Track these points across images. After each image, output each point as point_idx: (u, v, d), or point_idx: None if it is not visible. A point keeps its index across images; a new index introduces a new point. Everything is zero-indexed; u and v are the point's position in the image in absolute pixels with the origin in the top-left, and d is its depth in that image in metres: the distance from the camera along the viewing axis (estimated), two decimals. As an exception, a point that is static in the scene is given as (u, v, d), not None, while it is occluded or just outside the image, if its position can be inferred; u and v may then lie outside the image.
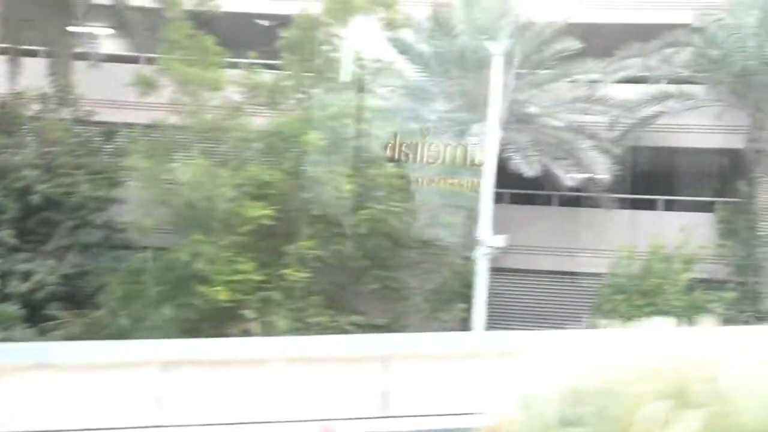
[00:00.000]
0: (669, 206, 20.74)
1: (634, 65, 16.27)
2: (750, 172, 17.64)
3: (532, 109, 15.63)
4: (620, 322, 13.71)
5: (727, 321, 17.06)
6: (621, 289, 15.61)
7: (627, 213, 20.12)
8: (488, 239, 12.67)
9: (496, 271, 20.04)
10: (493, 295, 19.83)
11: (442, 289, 14.52)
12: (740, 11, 16.44)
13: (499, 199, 21.30)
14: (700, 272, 18.10)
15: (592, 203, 19.55)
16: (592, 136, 17.63)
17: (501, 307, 19.77)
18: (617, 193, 20.62)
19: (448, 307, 13.93)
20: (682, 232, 18.53)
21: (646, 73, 17.46)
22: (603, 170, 17.10)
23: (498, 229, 20.50)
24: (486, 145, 13.26)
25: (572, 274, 18.86)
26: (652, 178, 22.59)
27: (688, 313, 15.79)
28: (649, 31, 17.99)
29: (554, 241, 19.54)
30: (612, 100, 18.44)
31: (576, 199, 19.46)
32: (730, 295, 16.10)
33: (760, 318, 16.91)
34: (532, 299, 19.40)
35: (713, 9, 17.46)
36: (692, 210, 19.81)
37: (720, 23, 17.08)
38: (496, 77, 13.62)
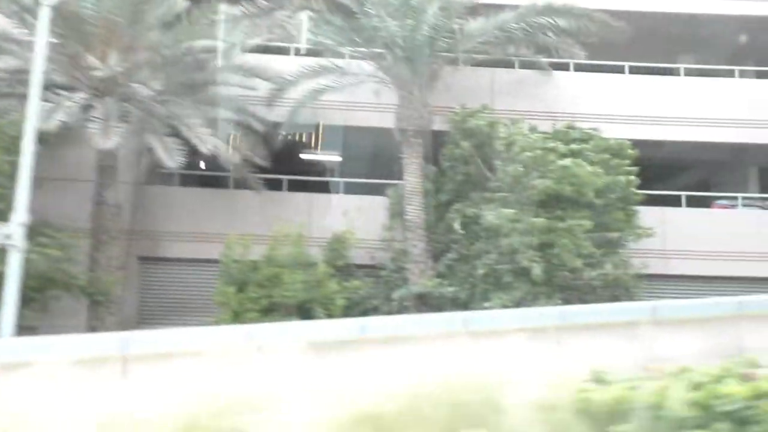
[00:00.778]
0: (347, 189, 19.76)
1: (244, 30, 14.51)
2: (400, 153, 16.72)
3: (118, 76, 13.45)
4: (231, 316, 11.42)
5: (367, 312, 16.25)
6: (233, 280, 13.98)
7: (301, 196, 18.76)
8: (15, 225, 10.36)
9: (153, 260, 18.04)
10: (144, 287, 17.84)
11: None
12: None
13: (168, 180, 19.28)
14: (365, 259, 17.20)
15: (266, 186, 18.00)
16: (236, 111, 15.90)
17: (151, 301, 17.82)
18: (286, 175, 19.17)
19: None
20: (345, 216, 17.53)
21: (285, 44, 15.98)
22: (227, 148, 15.39)
23: (156, 213, 18.46)
24: (27, 112, 10.89)
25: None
26: (329, 157, 21.47)
27: (312, 304, 14.56)
28: None
29: (218, 226, 17.80)
30: (269, 72, 16.90)
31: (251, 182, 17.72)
32: (354, 284, 15.00)
33: (405, 307, 16.09)
34: (182, 291, 17.58)
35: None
36: (370, 192, 18.92)
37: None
38: (42, 32, 11.24)
